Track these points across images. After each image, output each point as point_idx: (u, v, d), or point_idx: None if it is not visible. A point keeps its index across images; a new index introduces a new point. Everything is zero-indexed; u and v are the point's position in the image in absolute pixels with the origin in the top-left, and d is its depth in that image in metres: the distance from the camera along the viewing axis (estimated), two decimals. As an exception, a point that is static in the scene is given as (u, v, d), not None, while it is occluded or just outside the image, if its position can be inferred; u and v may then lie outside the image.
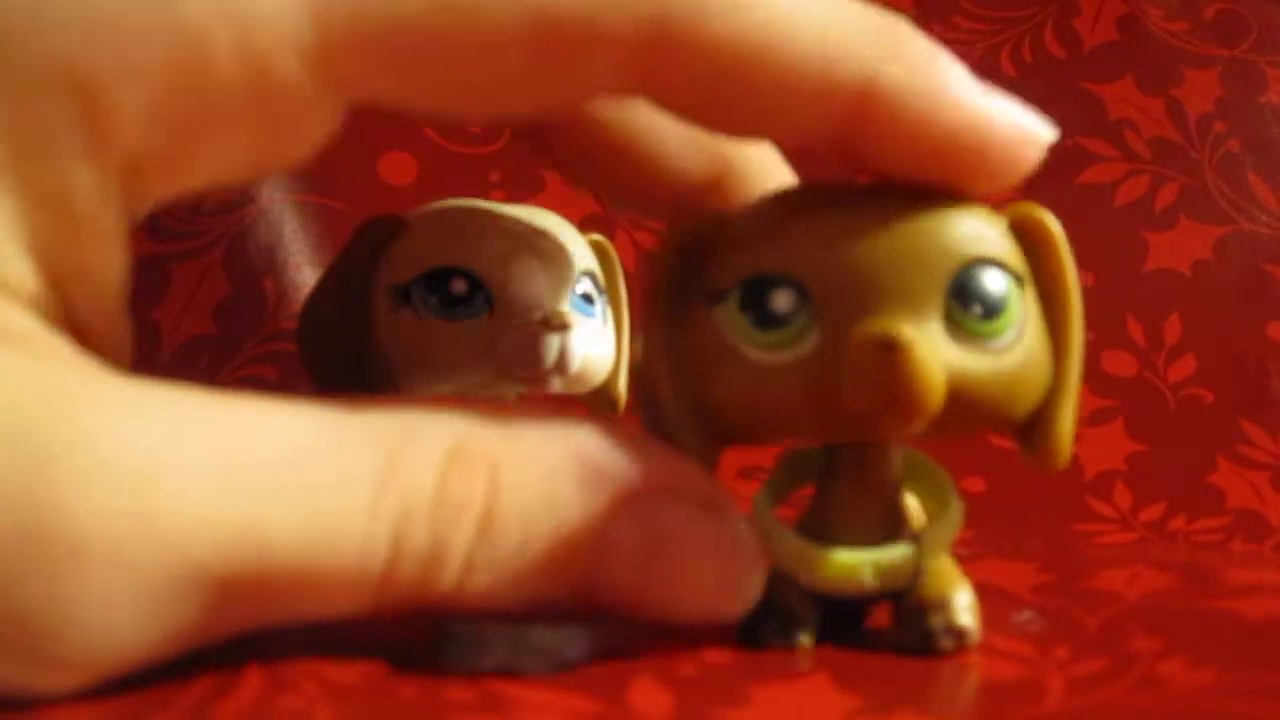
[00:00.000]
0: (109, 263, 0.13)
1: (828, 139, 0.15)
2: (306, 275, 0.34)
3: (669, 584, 0.15)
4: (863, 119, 0.14)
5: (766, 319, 0.15)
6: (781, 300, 0.15)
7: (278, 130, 0.13)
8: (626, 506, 0.14)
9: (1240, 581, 0.23)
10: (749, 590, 0.15)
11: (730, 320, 0.15)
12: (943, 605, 0.16)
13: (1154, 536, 0.32)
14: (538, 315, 0.22)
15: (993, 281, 0.15)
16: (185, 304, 0.33)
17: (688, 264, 0.16)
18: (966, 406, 0.15)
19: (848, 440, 0.16)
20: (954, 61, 0.15)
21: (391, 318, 0.22)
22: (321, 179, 0.35)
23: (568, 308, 0.22)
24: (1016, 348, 0.15)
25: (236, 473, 0.12)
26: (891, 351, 0.14)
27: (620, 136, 0.18)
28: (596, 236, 0.25)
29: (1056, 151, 0.42)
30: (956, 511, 0.17)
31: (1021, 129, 0.15)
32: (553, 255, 0.23)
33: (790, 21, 0.14)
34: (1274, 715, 0.14)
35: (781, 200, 0.16)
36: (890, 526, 0.16)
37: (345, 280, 0.23)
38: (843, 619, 0.17)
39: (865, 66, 0.14)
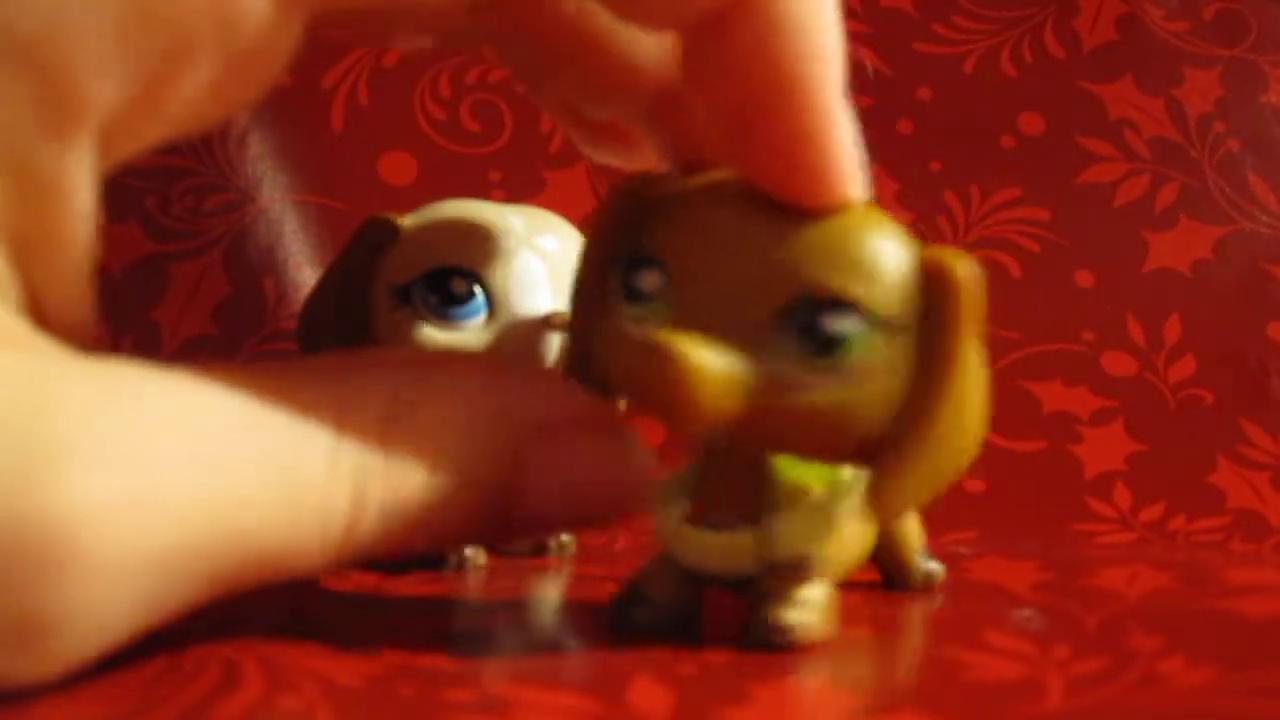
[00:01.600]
0: (74, 234, 0.13)
1: (690, 41, 0.15)
2: (306, 275, 0.34)
3: (574, 499, 0.16)
4: (744, 11, 0.14)
5: (634, 293, 0.15)
6: (648, 279, 0.15)
7: (240, 65, 0.13)
8: (537, 436, 0.15)
9: (1240, 581, 0.23)
10: (642, 494, 0.16)
11: (618, 285, 0.16)
12: (775, 599, 0.16)
13: (1154, 536, 0.32)
14: (538, 315, 0.22)
15: (834, 319, 0.14)
16: (185, 304, 0.33)
17: (622, 225, 0.16)
18: (756, 424, 0.15)
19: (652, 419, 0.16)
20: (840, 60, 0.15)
21: (391, 318, 0.22)
22: (321, 179, 0.35)
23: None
24: (839, 388, 0.15)
25: (208, 444, 0.12)
26: (658, 356, 0.14)
27: (577, 30, 0.18)
28: None
29: (1057, 152, 0.42)
30: (807, 513, 0.16)
31: (852, 152, 0.15)
32: (553, 254, 0.23)
33: None
34: (1274, 714, 0.14)
35: (693, 183, 0.16)
36: (751, 513, 0.16)
37: (345, 280, 0.23)
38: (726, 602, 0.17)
39: None
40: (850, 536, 0.16)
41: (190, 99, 0.13)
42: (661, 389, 0.14)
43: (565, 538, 0.26)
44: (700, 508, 0.16)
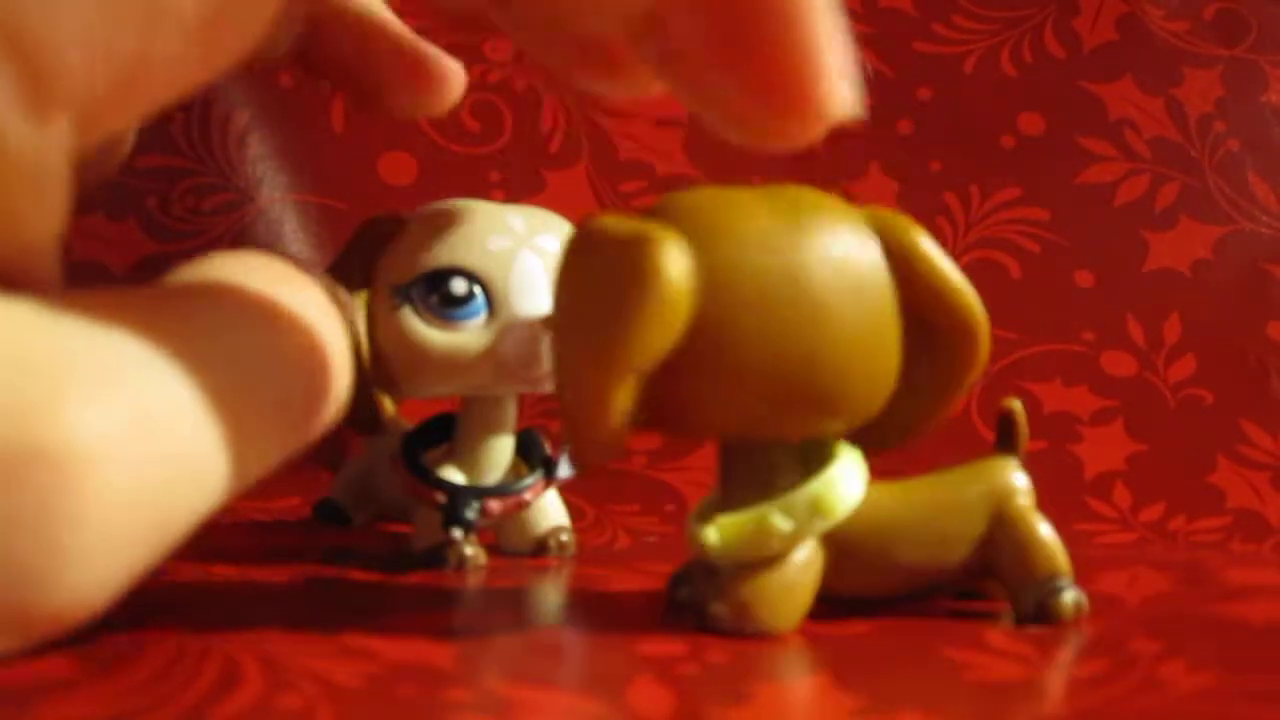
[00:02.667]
0: (44, 213, 0.13)
1: (646, 24, 0.14)
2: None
3: None
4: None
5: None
6: None
7: (224, 27, 0.13)
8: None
9: (1240, 583, 0.23)
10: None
11: None
12: (719, 590, 0.17)
13: (1154, 536, 0.32)
14: (538, 316, 0.22)
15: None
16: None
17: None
18: None
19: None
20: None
21: (391, 318, 0.22)
22: (321, 179, 0.35)
23: None
24: None
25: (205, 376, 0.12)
26: None
27: None
28: None
29: (1057, 151, 0.42)
30: (750, 519, 0.17)
31: (839, 77, 0.14)
32: (553, 255, 0.23)
33: None
34: (1275, 718, 0.14)
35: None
36: (722, 508, 0.18)
37: (345, 279, 0.23)
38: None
39: None
40: (796, 554, 0.18)
41: (174, 72, 0.13)
42: None
43: (565, 538, 0.26)
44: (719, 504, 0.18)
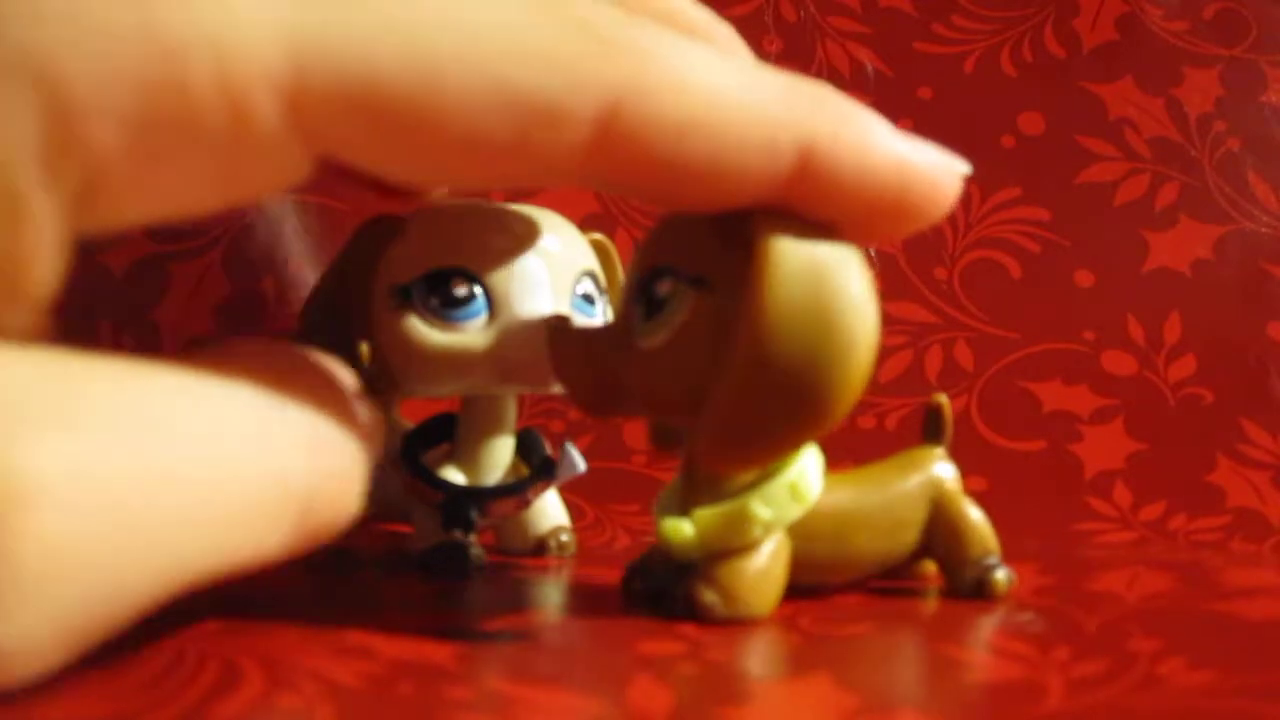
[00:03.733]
0: (38, 273, 0.12)
1: (772, 200, 0.16)
2: (306, 275, 0.34)
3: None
4: (803, 180, 0.15)
5: (651, 300, 0.18)
6: (663, 286, 0.18)
7: (243, 168, 0.13)
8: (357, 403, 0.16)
9: (1239, 583, 0.23)
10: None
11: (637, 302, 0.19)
12: (696, 578, 0.18)
13: (1154, 535, 0.32)
14: (539, 316, 0.22)
15: (658, 287, 0.17)
16: (185, 304, 0.33)
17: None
18: (635, 390, 0.18)
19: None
20: (875, 116, 0.16)
21: (392, 319, 0.22)
22: (321, 179, 0.35)
23: (569, 308, 0.22)
24: (665, 347, 0.17)
25: (163, 432, 0.12)
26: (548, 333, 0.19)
27: None
28: (597, 236, 0.25)
29: (1057, 151, 0.42)
30: (732, 509, 0.18)
31: (940, 167, 0.17)
32: (554, 255, 0.23)
33: (731, 98, 0.15)
34: (1274, 716, 0.14)
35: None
36: (696, 500, 0.19)
37: (345, 280, 0.23)
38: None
39: (801, 130, 0.15)
40: (769, 543, 0.19)
41: (186, 185, 0.13)
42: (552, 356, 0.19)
43: (565, 538, 0.26)
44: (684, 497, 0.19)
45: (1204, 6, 0.40)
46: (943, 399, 0.22)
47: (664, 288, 0.17)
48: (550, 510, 0.26)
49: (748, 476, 0.18)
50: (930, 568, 0.22)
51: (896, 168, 0.16)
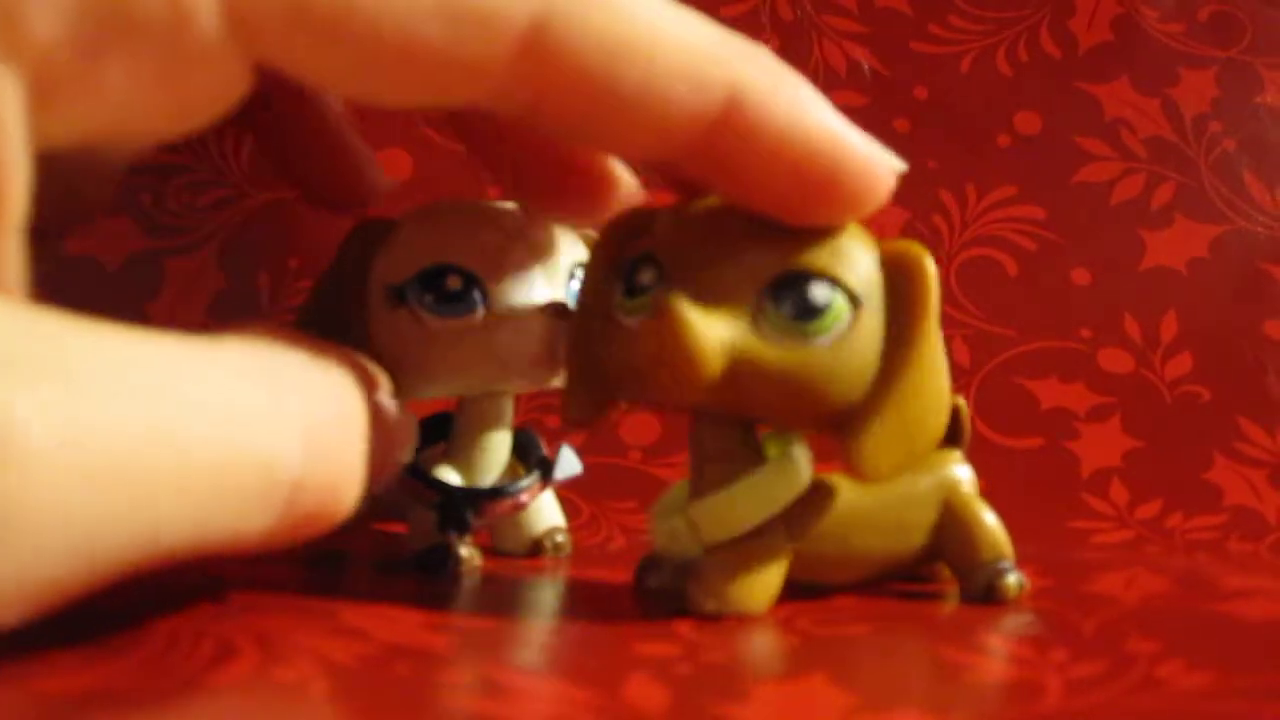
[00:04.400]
0: (10, 184, 0.12)
1: (693, 149, 0.16)
2: (301, 271, 0.34)
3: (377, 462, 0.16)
4: (731, 126, 0.15)
5: (631, 288, 0.18)
6: (645, 274, 0.18)
7: (185, 75, 0.13)
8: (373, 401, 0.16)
9: (1237, 585, 0.23)
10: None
11: (615, 289, 0.18)
12: (694, 573, 0.18)
13: (1151, 534, 0.32)
14: (535, 309, 0.22)
15: (812, 290, 0.17)
16: (179, 299, 0.33)
17: (615, 245, 0.19)
18: (754, 388, 0.17)
19: (643, 397, 0.19)
20: (813, 89, 0.16)
21: (388, 319, 0.22)
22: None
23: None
24: (825, 353, 0.17)
25: (143, 389, 0.12)
26: (662, 315, 0.16)
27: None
28: (588, 230, 0.25)
29: (1053, 151, 0.42)
30: (726, 500, 0.18)
31: (875, 155, 0.16)
32: (545, 248, 0.23)
33: (666, 26, 0.15)
34: (1273, 717, 0.14)
35: (679, 202, 0.19)
36: (696, 496, 0.18)
37: (340, 283, 0.22)
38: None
39: (733, 75, 0.15)
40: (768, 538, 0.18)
41: (132, 95, 0.13)
42: (662, 341, 0.16)
43: (560, 539, 0.25)
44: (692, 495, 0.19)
45: (1199, 8, 0.40)
46: (961, 402, 0.22)
47: (822, 294, 0.17)
48: (546, 511, 0.26)
49: (742, 469, 0.18)
50: (946, 570, 0.22)
51: (829, 139, 0.16)
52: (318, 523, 0.14)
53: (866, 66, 0.38)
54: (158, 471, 0.12)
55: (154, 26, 0.12)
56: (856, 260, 0.17)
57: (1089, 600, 0.20)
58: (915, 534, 0.20)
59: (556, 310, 0.22)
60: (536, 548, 0.25)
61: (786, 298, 0.17)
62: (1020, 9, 0.39)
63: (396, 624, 0.16)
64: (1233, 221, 0.38)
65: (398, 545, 0.26)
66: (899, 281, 0.17)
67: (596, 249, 0.20)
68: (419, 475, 0.23)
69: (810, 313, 0.17)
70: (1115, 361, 0.36)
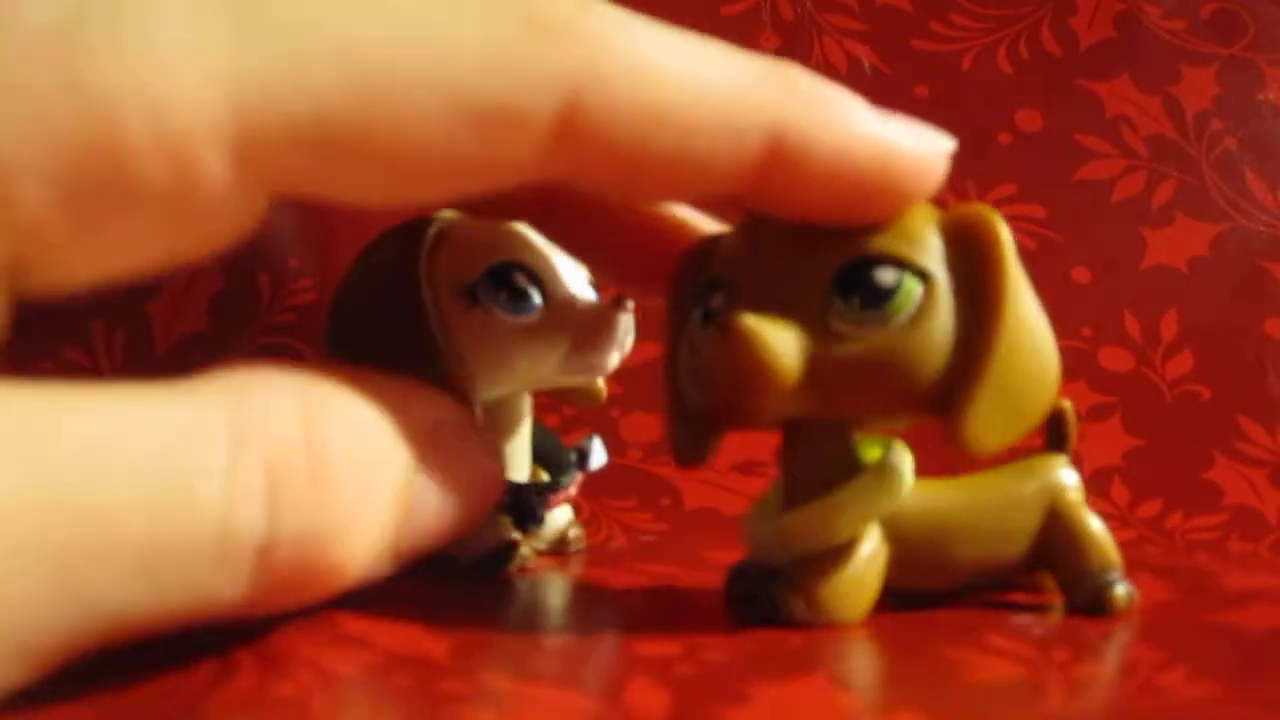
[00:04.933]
0: None
1: (744, 190, 0.15)
2: (301, 270, 0.34)
3: (449, 506, 0.15)
4: (774, 166, 0.15)
5: (707, 315, 0.17)
6: (716, 299, 0.17)
7: (193, 221, 0.12)
8: (424, 444, 0.15)
9: (1239, 589, 0.23)
10: (495, 489, 0.17)
11: (694, 318, 0.18)
12: (784, 584, 0.18)
13: (1151, 534, 0.32)
14: (594, 300, 0.22)
15: (879, 276, 0.16)
16: (179, 299, 0.32)
17: (688, 278, 0.19)
18: (832, 386, 0.17)
19: (734, 419, 0.18)
20: (850, 96, 0.16)
21: (464, 319, 0.21)
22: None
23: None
24: (903, 335, 0.16)
25: (62, 451, 0.11)
26: (728, 334, 0.16)
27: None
28: None
29: (1054, 148, 0.42)
30: (820, 509, 0.18)
31: (922, 146, 0.16)
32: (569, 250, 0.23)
33: (695, 83, 0.14)
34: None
35: (740, 223, 0.18)
36: (789, 504, 0.18)
37: (389, 290, 0.22)
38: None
39: (770, 115, 0.15)
40: (863, 543, 0.18)
41: (132, 244, 0.12)
42: (733, 359, 0.16)
43: (575, 532, 0.26)
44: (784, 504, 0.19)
45: (1201, 5, 0.40)
46: (1067, 405, 0.21)
47: (888, 277, 0.16)
48: (560, 506, 0.26)
49: (838, 476, 0.18)
50: (1049, 580, 0.20)
51: (874, 150, 0.15)
52: (314, 581, 0.13)
53: (867, 64, 0.38)
54: (82, 545, 0.11)
55: (156, 190, 0.12)
56: (918, 235, 0.17)
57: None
58: (1018, 541, 0.19)
59: (616, 303, 0.22)
60: (561, 543, 0.25)
61: (854, 289, 0.16)
62: (1021, 6, 0.39)
63: (398, 631, 0.16)
64: (1234, 220, 0.38)
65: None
66: (967, 248, 0.17)
67: (674, 283, 0.19)
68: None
69: (880, 299, 0.16)
70: (1116, 360, 0.36)
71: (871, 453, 0.18)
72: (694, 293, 0.18)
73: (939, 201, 0.18)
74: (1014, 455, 0.20)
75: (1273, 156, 0.39)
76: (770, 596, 0.18)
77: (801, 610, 0.18)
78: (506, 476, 0.18)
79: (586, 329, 0.22)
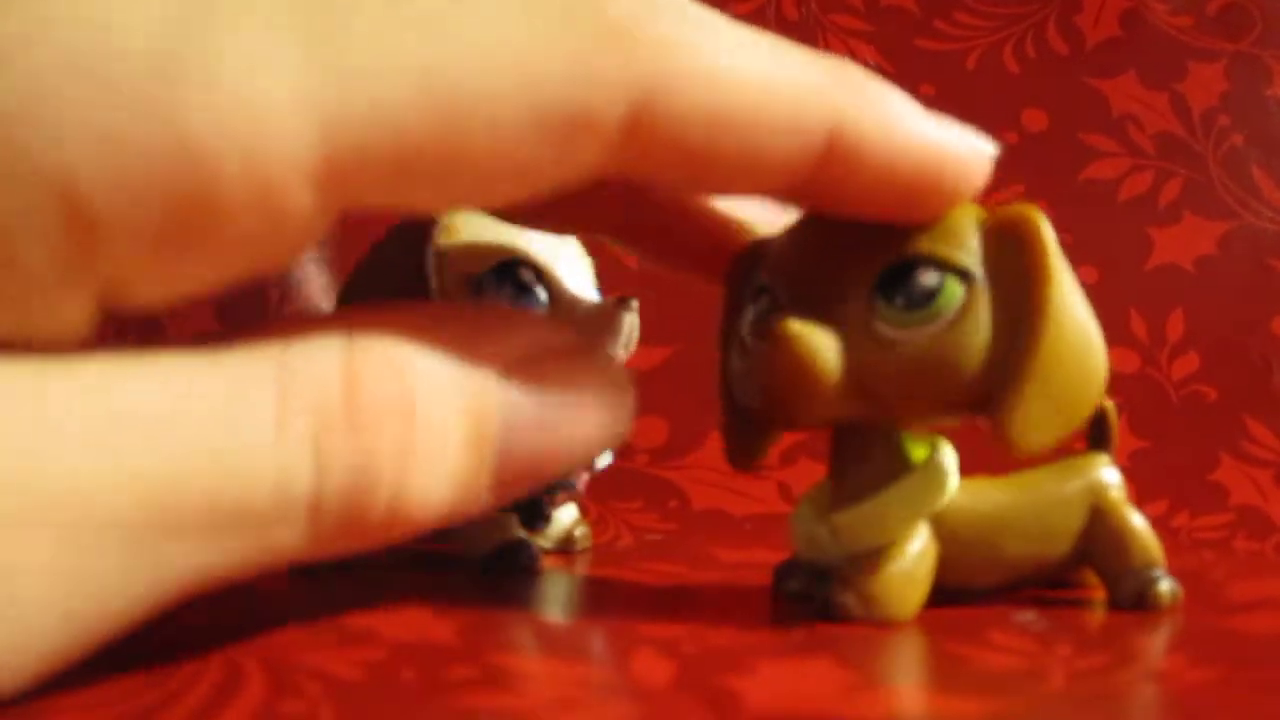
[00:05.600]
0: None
1: (799, 186, 0.16)
2: (309, 273, 0.34)
3: (563, 432, 0.15)
4: (831, 162, 0.15)
5: (756, 321, 0.18)
6: (762, 304, 0.18)
7: (272, 244, 0.13)
8: (517, 372, 0.14)
9: (1244, 596, 0.23)
10: (626, 416, 0.16)
11: (744, 319, 0.18)
12: (840, 578, 0.18)
13: (1157, 533, 0.32)
14: (599, 300, 0.22)
15: (921, 277, 0.17)
16: (188, 303, 0.33)
17: (741, 279, 0.19)
18: (889, 388, 0.17)
19: (783, 422, 0.18)
20: (904, 96, 0.16)
21: None
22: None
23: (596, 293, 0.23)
24: (946, 336, 0.17)
25: (122, 424, 0.11)
26: (773, 341, 0.16)
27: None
28: None
29: (1060, 147, 0.42)
30: (872, 507, 0.18)
31: (970, 148, 0.16)
32: (572, 243, 0.23)
33: (762, 83, 0.14)
34: (1277, 712, 0.14)
35: (789, 227, 0.19)
36: (839, 502, 0.18)
37: (404, 273, 0.22)
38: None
39: (831, 113, 0.15)
40: (916, 538, 0.18)
41: (212, 270, 0.12)
42: (777, 365, 0.16)
43: (581, 531, 0.26)
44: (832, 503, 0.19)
45: (1207, 1, 0.40)
46: (1109, 404, 0.21)
47: (931, 279, 0.17)
48: (568, 506, 0.26)
49: (887, 474, 0.18)
50: (1093, 577, 0.21)
51: (927, 150, 0.16)
52: (373, 527, 0.13)
53: (872, 64, 0.38)
54: (149, 516, 0.11)
55: (244, 226, 0.12)
56: (960, 235, 0.17)
57: (1094, 604, 0.20)
58: (1062, 539, 0.20)
59: (621, 303, 0.22)
60: (568, 541, 0.25)
61: (896, 291, 0.17)
62: (1027, 5, 0.39)
63: (405, 623, 0.16)
64: (1241, 217, 0.38)
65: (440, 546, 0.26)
66: (1009, 248, 0.17)
67: (727, 285, 0.19)
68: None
69: (922, 300, 0.16)
70: (1122, 361, 0.36)
71: (919, 452, 0.18)
72: (744, 295, 0.19)
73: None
74: (1057, 454, 0.20)
75: (1280, 154, 0.39)
76: (823, 594, 0.18)
77: (855, 606, 0.18)
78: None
79: (591, 328, 0.22)
